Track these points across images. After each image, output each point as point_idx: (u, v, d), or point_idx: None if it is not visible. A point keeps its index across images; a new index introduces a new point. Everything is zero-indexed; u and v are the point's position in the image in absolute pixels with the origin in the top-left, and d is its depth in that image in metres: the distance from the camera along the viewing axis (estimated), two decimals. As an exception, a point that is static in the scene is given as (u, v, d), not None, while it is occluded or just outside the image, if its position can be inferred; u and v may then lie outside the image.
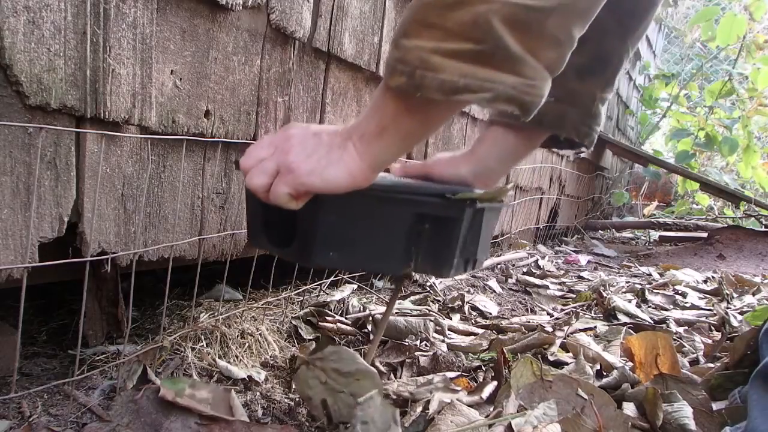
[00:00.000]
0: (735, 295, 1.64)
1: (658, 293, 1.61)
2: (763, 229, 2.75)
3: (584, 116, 0.78)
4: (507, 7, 0.44)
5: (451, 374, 0.83)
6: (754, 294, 1.68)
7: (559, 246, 2.75)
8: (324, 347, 0.70)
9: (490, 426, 0.64)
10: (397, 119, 0.53)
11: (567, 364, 0.90)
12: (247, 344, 0.86)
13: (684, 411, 0.69)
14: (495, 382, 0.78)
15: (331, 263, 0.62)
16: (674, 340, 1.13)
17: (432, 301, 1.26)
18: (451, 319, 1.18)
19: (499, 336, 1.03)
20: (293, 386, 0.77)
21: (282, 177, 0.55)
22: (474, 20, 0.45)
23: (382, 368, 0.87)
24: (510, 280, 1.67)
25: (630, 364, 0.88)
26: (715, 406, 0.74)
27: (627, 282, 1.81)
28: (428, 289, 1.37)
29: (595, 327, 1.14)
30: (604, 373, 0.87)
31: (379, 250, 0.61)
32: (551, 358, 0.94)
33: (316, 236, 0.60)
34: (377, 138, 0.54)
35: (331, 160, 0.54)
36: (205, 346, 0.83)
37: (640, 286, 1.65)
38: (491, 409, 0.71)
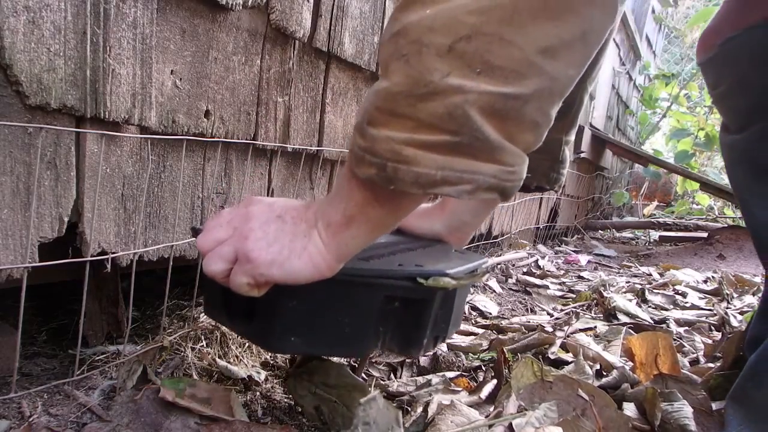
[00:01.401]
0: (735, 295, 1.64)
1: (658, 293, 1.61)
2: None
3: (553, 163, 0.78)
4: (484, 96, 0.41)
5: (450, 374, 0.83)
6: (754, 294, 1.68)
7: (559, 246, 2.75)
8: (308, 361, 0.69)
9: (490, 426, 0.64)
10: (365, 209, 0.49)
11: (567, 363, 0.90)
12: (247, 344, 0.86)
13: (684, 411, 0.69)
14: (495, 382, 0.78)
15: (292, 348, 0.58)
16: (674, 340, 1.13)
17: (432, 301, 1.26)
18: (451, 319, 1.17)
19: (499, 336, 1.03)
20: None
21: (241, 266, 0.51)
22: (449, 112, 0.41)
23: (381, 369, 0.87)
24: (510, 280, 1.67)
25: (630, 364, 0.88)
26: (714, 405, 0.74)
27: (627, 282, 1.81)
28: (428, 289, 1.36)
29: (595, 327, 1.14)
30: (604, 373, 0.87)
31: (344, 334, 0.57)
32: (552, 358, 0.94)
33: (276, 321, 0.56)
34: (344, 228, 0.50)
35: (294, 250, 0.50)
36: (205, 346, 0.83)
37: (640, 286, 1.65)
38: (491, 409, 0.71)
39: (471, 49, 0.40)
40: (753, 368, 0.57)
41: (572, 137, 0.80)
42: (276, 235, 0.51)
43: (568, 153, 0.80)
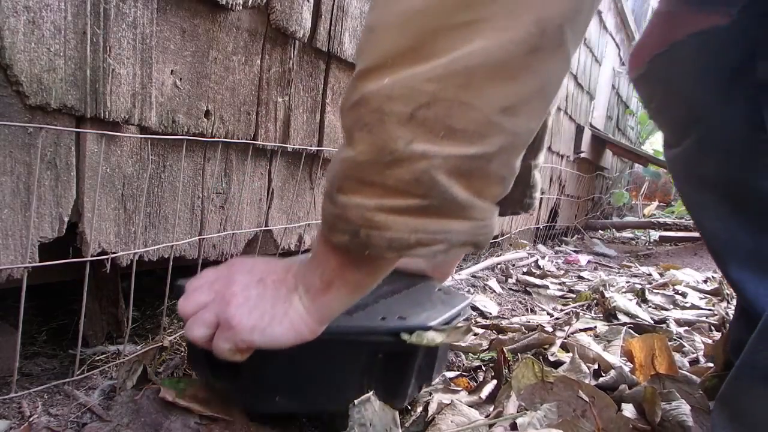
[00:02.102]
0: (735, 295, 1.64)
1: (658, 293, 1.61)
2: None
3: (525, 188, 0.78)
4: (449, 160, 0.41)
5: (450, 374, 0.83)
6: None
7: (559, 246, 2.75)
8: None
9: (490, 426, 0.64)
10: (342, 273, 0.49)
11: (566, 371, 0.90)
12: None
13: (682, 408, 0.69)
14: (495, 382, 0.78)
15: (277, 408, 0.58)
16: (674, 340, 1.13)
17: (432, 301, 1.26)
18: (451, 319, 1.18)
19: (499, 336, 1.03)
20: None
21: (222, 332, 0.51)
22: (416, 177, 0.41)
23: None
24: (510, 280, 1.67)
25: (630, 365, 0.88)
26: (712, 405, 0.74)
27: (627, 282, 1.81)
28: (428, 289, 1.36)
29: (595, 327, 1.14)
30: (603, 374, 0.87)
31: (328, 390, 0.58)
32: (551, 359, 0.94)
33: (261, 381, 0.57)
34: (323, 293, 0.50)
35: (276, 316, 0.50)
36: (205, 346, 0.83)
37: (640, 286, 1.65)
38: (491, 409, 0.71)
39: (432, 116, 0.40)
40: (736, 374, 0.57)
41: (541, 160, 0.81)
42: (257, 301, 0.51)
43: (538, 176, 0.81)
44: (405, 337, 0.57)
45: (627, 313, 1.28)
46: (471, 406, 0.70)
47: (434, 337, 0.58)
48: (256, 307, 0.51)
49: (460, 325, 0.62)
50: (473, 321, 0.71)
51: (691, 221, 3.38)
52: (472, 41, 0.39)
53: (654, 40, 0.78)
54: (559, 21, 0.39)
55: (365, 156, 0.42)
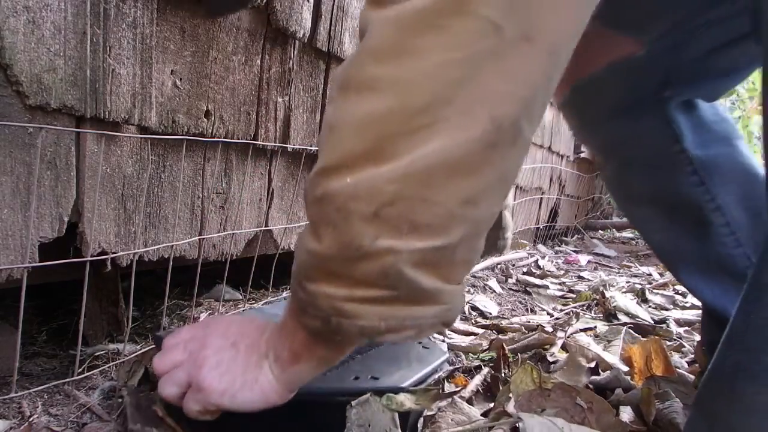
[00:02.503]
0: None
1: (658, 293, 1.61)
2: (763, 229, 2.74)
3: (497, 232, 0.79)
4: (414, 254, 0.41)
5: (444, 372, 0.83)
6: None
7: (559, 246, 2.75)
8: None
9: (490, 429, 0.64)
10: (310, 348, 0.50)
11: (566, 364, 0.90)
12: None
13: (674, 407, 0.69)
14: (492, 378, 0.78)
15: None
16: (674, 340, 1.13)
17: (432, 301, 1.26)
18: (451, 319, 1.17)
19: (499, 336, 1.03)
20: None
21: (193, 393, 0.52)
22: (383, 271, 0.42)
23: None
24: (510, 280, 1.67)
25: (626, 368, 0.88)
26: None
27: (627, 282, 1.81)
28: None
29: (595, 327, 1.14)
30: (601, 373, 0.87)
31: None
32: (551, 359, 0.93)
33: None
34: (291, 364, 0.51)
35: (246, 382, 0.51)
36: (205, 346, 0.82)
37: (640, 286, 1.65)
38: (490, 405, 0.71)
39: (395, 213, 0.41)
40: (708, 377, 0.57)
41: (510, 200, 0.84)
42: (229, 366, 0.52)
43: (509, 217, 0.82)
44: (375, 398, 0.58)
45: (627, 313, 1.28)
46: (471, 405, 0.70)
47: (403, 402, 0.59)
48: (228, 371, 0.52)
49: (430, 388, 0.63)
50: (440, 385, 0.72)
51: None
52: (430, 142, 0.39)
53: (576, 66, 0.82)
54: (514, 116, 0.40)
55: (332, 251, 0.43)
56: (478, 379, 0.80)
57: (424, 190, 0.40)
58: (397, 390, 0.59)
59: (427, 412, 0.67)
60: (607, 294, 1.37)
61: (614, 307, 1.30)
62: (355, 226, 0.42)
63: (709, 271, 0.80)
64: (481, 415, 0.68)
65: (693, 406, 0.59)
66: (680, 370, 0.86)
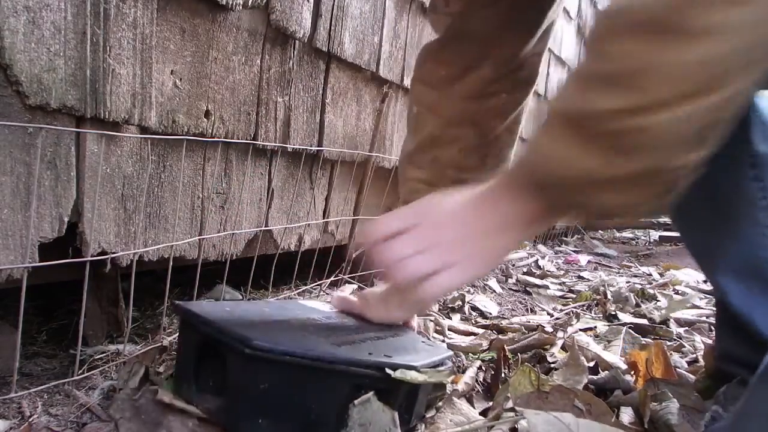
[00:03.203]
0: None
1: (659, 293, 1.61)
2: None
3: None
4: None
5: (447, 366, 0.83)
6: (754, 294, 1.67)
7: (559, 246, 2.75)
8: None
9: (489, 429, 0.64)
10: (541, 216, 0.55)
11: (566, 365, 0.90)
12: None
13: (670, 408, 0.69)
14: (495, 381, 0.78)
15: (259, 431, 0.59)
16: (674, 340, 1.13)
17: (432, 301, 1.26)
18: (451, 319, 1.18)
19: (499, 336, 1.03)
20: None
21: (445, 270, 0.54)
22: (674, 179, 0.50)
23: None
24: (510, 280, 1.67)
25: (625, 366, 0.88)
26: (707, 405, 0.74)
27: (627, 282, 1.81)
28: (428, 289, 1.36)
29: (595, 327, 1.14)
30: (600, 372, 0.87)
31: (312, 419, 0.58)
32: (550, 359, 0.93)
33: (246, 403, 0.57)
34: (527, 227, 0.55)
35: (484, 249, 0.55)
36: (205, 346, 0.83)
37: (640, 286, 1.65)
38: (490, 404, 0.71)
39: (713, 133, 0.48)
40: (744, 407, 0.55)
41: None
42: (465, 240, 0.55)
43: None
44: (389, 371, 0.58)
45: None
46: (470, 404, 0.70)
47: (417, 376, 0.59)
48: (467, 244, 0.55)
49: (442, 369, 0.64)
50: (452, 370, 0.72)
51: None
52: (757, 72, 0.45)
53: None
54: None
55: (636, 170, 0.49)
56: (470, 373, 0.80)
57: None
58: (411, 367, 0.60)
59: (428, 414, 0.67)
60: (609, 297, 1.37)
61: (615, 307, 1.30)
62: (673, 147, 0.47)
63: (746, 272, 0.75)
64: (480, 414, 0.68)
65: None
66: (680, 370, 0.86)
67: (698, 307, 1.50)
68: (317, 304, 0.83)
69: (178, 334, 0.72)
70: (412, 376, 0.59)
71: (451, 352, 0.74)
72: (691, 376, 0.84)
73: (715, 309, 0.85)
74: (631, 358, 0.88)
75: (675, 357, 0.96)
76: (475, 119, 0.80)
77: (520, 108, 0.87)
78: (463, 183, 0.74)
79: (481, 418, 0.67)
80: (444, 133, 0.80)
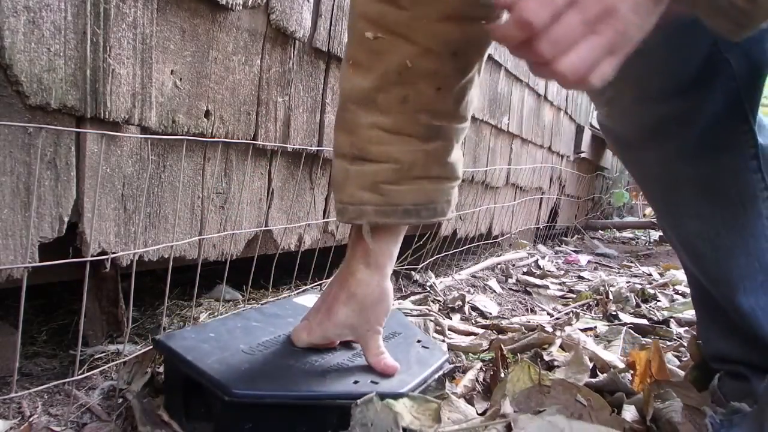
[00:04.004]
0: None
1: (659, 293, 1.61)
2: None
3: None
4: None
5: (445, 370, 0.83)
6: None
7: (559, 246, 2.75)
8: None
9: (486, 427, 0.64)
10: None
11: (566, 365, 0.90)
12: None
13: (674, 406, 0.69)
14: (494, 381, 0.78)
15: None
16: (674, 339, 1.13)
17: (432, 301, 1.26)
18: (451, 319, 1.18)
19: (499, 336, 1.03)
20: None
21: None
22: None
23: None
24: (510, 280, 1.67)
25: (623, 366, 0.88)
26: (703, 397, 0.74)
27: (627, 282, 1.81)
28: (428, 289, 1.37)
29: (595, 327, 1.14)
30: (599, 373, 0.87)
31: None
32: (547, 358, 0.93)
33: None
34: None
35: None
36: (205, 346, 0.82)
37: (640, 286, 1.65)
38: (487, 405, 0.71)
39: None
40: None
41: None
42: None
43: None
44: (376, 402, 0.58)
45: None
46: (469, 403, 0.70)
47: (404, 416, 0.59)
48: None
49: (431, 400, 0.63)
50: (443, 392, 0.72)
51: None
52: None
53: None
54: None
55: None
56: (471, 375, 0.80)
57: None
58: (397, 395, 0.59)
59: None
60: (611, 297, 1.37)
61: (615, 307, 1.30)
62: None
63: (747, 265, 0.72)
64: (480, 414, 0.68)
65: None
66: (671, 367, 0.86)
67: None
68: (311, 300, 0.83)
69: (163, 365, 0.71)
70: (398, 409, 0.59)
71: (447, 355, 0.73)
72: (681, 371, 0.84)
73: (696, 308, 0.83)
74: (630, 358, 0.88)
75: (668, 356, 0.96)
76: (456, 49, 0.64)
77: (486, 53, 0.70)
78: (437, 132, 0.66)
79: (479, 416, 0.67)
80: (418, 64, 0.63)
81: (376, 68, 0.64)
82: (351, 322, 0.67)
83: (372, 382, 0.61)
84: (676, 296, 1.59)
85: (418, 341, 0.74)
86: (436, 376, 0.69)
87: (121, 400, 0.66)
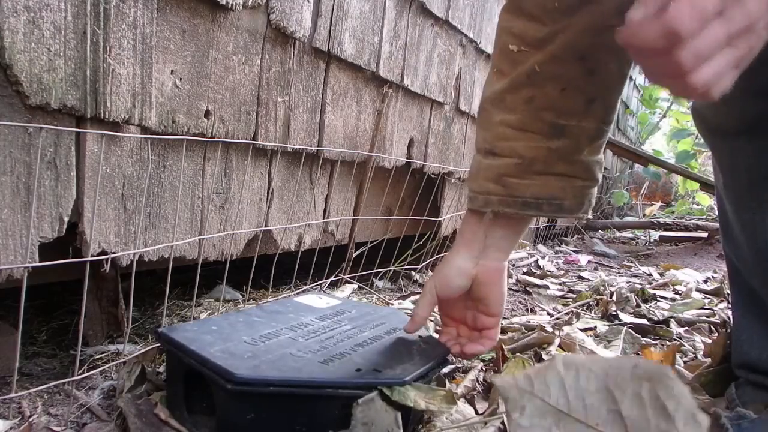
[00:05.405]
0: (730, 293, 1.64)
1: (659, 293, 1.61)
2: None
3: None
4: None
5: (445, 369, 0.83)
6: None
7: (559, 246, 2.75)
8: None
9: (485, 424, 0.64)
10: None
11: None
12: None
13: None
14: (491, 380, 0.78)
15: None
16: (674, 340, 1.13)
17: (432, 301, 1.26)
18: (451, 319, 1.18)
19: (499, 336, 1.03)
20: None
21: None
22: None
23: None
24: (510, 280, 1.67)
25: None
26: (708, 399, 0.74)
27: (627, 282, 1.81)
28: (428, 289, 1.36)
29: (595, 327, 1.14)
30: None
31: None
32: (546, 357, 0.93)
33: (236, 430, 0.57)
34: None
35: None
36: (205, 346, 0.82)
37: (640, 286, 1.65)
38: (486, 405, 0.71)
39: None
40: None
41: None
42: None
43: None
44: (387, 392, 0.58)
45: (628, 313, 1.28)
46: (468, 402, 0.70)
47: (418, 402, 0.58)
48: None
49: (438, 389, 0.62)
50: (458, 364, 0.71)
51: (692, 221, 3.37)
52: None
53: None
54: None
55: None
56: (471, 375, 0.80)
57: None
58: (401, 383, 0.59)
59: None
60: (613, 298, 1.37)
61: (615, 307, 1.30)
62: None
63: None
64: (480, 414, 0.68)
65: None
66: (677, 367, 0.86)
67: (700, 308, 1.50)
68: (312, 300, 0.83)
69: (165, 359, 0.71)
70: (411, 398, 0.58)
71: (449, 349, 0.73)
72: (689, 373, 0.84)
73: (736, 313, 0.81)
74: (643, 356, 0.88)
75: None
76: (584, 53, 0.67)
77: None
78: (561, 130, 0.68)
79: (477, 415, 0.67)
80: (545, 69, 0.67)
81: (510, 73, 0.70)
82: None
83: (375, 370, 0.61)
84: (676, 296, 1.59)
85: (420, 337, 0.74)
86: (439, 371, 0.69)
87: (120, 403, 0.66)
